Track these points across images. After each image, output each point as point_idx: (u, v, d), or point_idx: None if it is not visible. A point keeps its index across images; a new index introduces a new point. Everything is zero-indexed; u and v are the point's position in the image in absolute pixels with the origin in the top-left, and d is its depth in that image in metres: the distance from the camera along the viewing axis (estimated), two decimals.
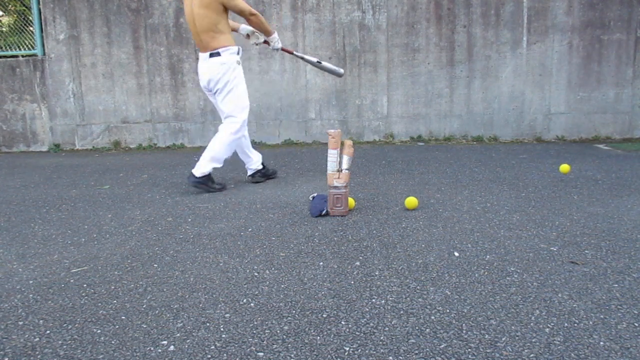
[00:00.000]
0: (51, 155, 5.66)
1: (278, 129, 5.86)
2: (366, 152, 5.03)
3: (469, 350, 1.37)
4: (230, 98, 3.41)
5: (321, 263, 2.05)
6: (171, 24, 5.73)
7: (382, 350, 1.38)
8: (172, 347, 1.44)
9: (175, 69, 5.79)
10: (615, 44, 5.44)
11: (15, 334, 1.54)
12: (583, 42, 5.46)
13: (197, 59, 4.26)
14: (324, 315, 1.60)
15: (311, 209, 2.79)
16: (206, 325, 1.56)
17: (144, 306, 1.71)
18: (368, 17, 5.61)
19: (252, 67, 5.70)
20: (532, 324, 1.50)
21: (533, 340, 1.41)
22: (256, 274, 1.96)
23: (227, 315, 1.62)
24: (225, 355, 1.39)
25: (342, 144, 2.81)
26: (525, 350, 1.36)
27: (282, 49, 3.75)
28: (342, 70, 3.93)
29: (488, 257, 2.07)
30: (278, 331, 1.51)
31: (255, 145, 5.70)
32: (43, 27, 5.87)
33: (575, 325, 1.49)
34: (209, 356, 1.38)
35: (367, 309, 1.63)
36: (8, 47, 6.06)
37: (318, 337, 1.46)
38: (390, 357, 1.35)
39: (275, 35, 3.64)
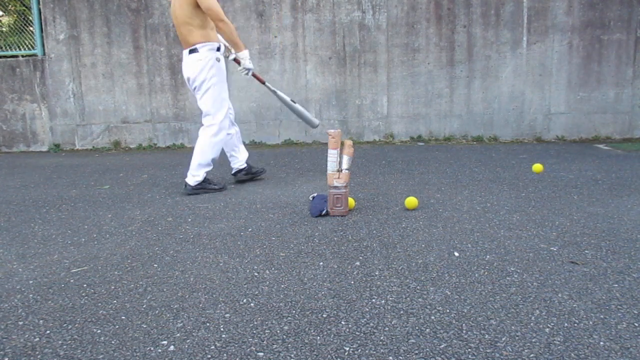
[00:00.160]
0: (51, 155, 5.66)
1: (278, 129, 5.86)
2: (366, 152, 5.03)
3: (469, 350, 1.37)
4: (208, 97, 3.29)
5: (321, 263, 2.05)
6: (171, 24, 5.73)
7: (382, 350, 1.38)
8: (172, 347, 1.44)
9: (175, 69, 5.79)
10: (615, 44, 5.44)
11: (15, 334, 1.54)
12: (583, 42, 5.46)
13: None
14: (324, 315, 1.60)
15: (311, 209, 2.79)
16: (206, 325, 1.56)
17: (144, 306, 1.71)
18: (368, 17, 5.61)
19: None
20: (532, 324, 1.50)
21: (533, 340, 1.41)
22: (256, 274, 1.96)
23: (227, 315, 1.62)
24: (225, 355, 1.39)
25: (342, 144, 2.81)
26: (525, 350, 1.36)
27: (254, 75, 3.44)
28: (317, 122, 3.66)
29: (488, 257, 2.07)
30: (278, 331, 1.51)
31: (255, 145, 5.71)
32: (43, 27, 5.87)
33: (575, 325, 1.49)
34: (209, 356, 1.38)
35: (367, 309, 1.63)
36: (8, 47, 6.06)
37: (318, 337, 1.46)
38: (390, 357, 1.35)
39: (246, 53, 3.31)
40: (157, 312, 1.66)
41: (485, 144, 5.46)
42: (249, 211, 2.92)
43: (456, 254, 2.11)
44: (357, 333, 1.48)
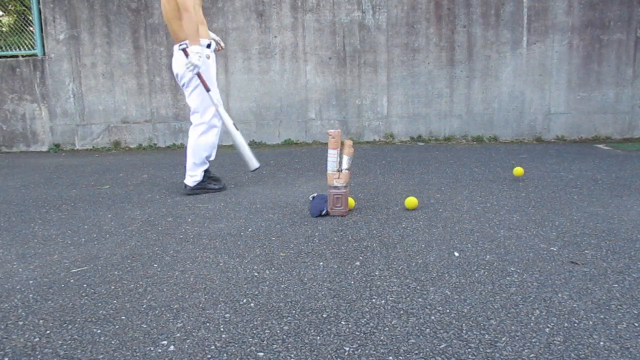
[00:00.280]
0: (51, 155, 5.66)
1: (278, 129, 5.86)
2: (366, 152, 5.03)
3: (469, 350, 1.37)
4: (196, 94, 3.25)
5: (321, 263, 2.05)
6: None
7: (382, 350, 1.38)
8: (172, 347, 1.44)
9: None
10: (615, 44, 5.44)
11: (15, 334, 1.54)
12: (583, 42, 5.46)
13: None
14: (324, 315, 1.60)
15: (311, 209, 2.79)
16: (206, 325, 1.56)
17: (144, 306, 1.71)
18: (368, 17, 5.61)
19: (252, 67, 5.70)
20: (532, 324, 1.50)
21: (533, 340, 1.41)
22: (256, 274, 1.96)
23: (227, 315, 1.62)
24: (225, 355, 1.39)
25: (342, 144, 2.81)
26: (525, 350, 1.36)
27: (199, 76, 3.14)
28: (256, 164, 3.25)
29: (488, 257, 2.06)
30: (278, 331, 1.51)
31: (255, 145, 5.71)
32: (43, 27, 5.87)
33: (575, 325, 1.49)
34: (209, 356, 1.38)
35: (367, 309, 1.63)
36: (8, 47, 6.06)
37: (318, 337, 1.46)
38: (390, 357, 1.35)
39: (198, 48, 3.04)
40: (157, 312, 1.66)
41: (485, 144, 5.46)
42: (249, 211, 2.92)
43: (456, 254, 2.11)
44: (357, 333, 1.48)
